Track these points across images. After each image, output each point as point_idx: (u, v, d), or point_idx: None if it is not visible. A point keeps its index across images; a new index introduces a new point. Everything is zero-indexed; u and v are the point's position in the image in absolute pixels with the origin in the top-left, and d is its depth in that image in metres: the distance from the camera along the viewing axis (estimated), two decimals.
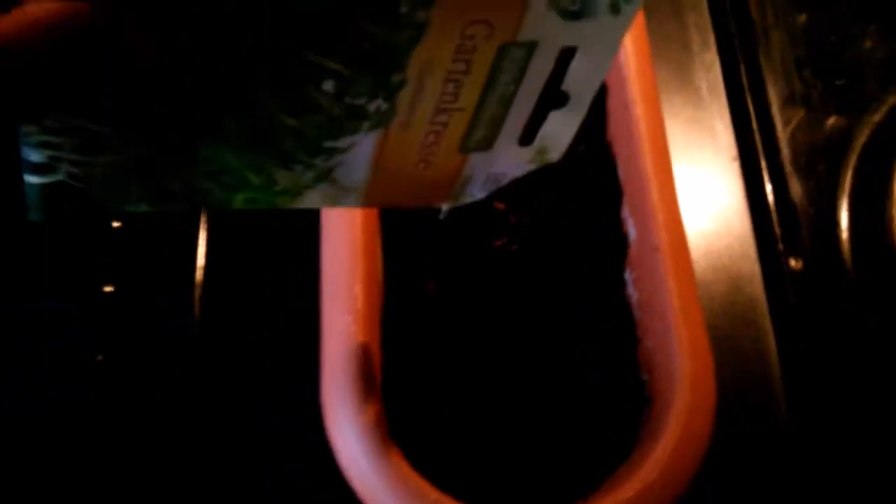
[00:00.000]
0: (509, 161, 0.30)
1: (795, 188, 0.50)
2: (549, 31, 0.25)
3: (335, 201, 0.28)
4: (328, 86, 0.24)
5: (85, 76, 0.21)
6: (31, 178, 0.23)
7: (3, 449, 0.42)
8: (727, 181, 0.51)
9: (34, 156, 0.23)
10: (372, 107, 0.25)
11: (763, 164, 0.51)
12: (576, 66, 0.27)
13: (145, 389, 0.43)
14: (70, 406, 0.43)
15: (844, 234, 0.49)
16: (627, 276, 0.41)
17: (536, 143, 0.29)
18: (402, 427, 0.36)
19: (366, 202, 0.29)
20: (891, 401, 0.45)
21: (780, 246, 0.49)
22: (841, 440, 0.44)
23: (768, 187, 0.50)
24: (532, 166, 0.30)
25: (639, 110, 0.42)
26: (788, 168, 0.51)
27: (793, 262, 0.48)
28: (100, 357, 0.44)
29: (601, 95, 0.44)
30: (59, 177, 0.23)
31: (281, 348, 0.44)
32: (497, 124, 0.28)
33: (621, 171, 0.43)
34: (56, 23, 0.20)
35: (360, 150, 0.27)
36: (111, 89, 0.22)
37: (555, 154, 0.30)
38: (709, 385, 0.37)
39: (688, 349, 0.37)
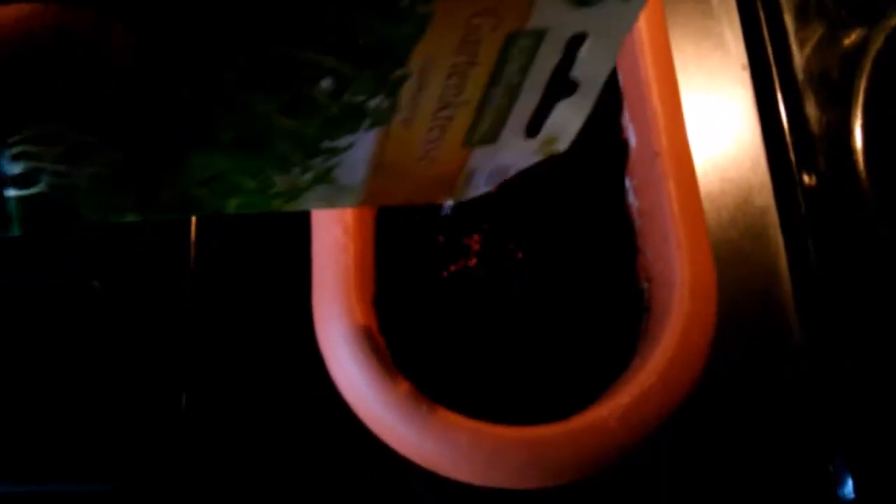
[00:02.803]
0: (515, 153, 0.29)
1: (808, 98, 0.49)
2: (559, 19, 0.24)
3: (333, 202, 0.27)
4: (326, 84, 0.23)
5: (66, 82, 0.20)
6: (10, 192, 0.22)
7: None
8: (737, 91, 0.50)
9: (12, 167, 0.21)
10: (372, 104, 0.24)
11: (774, 73, 0.50)
12: (585, 53, 0.26)
13: (141, 317, 0.43)
14: (68, 330, 0.43)
15: (859, 145, 0.47)
16: (628, 183, 0.40)
17: (543, 133, 0.28)
18: (396, 338, 0.35)
19: (365, 201, 0.28)
20: None
21: (792, 156, 0.48)
22: (852, 356, 0.43)
23: (779, 96, 0.49)
24: (539, 157, 0.29)
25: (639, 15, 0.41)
26: (801, 77, 0.49)
27: (805, 178, 0.47)
28: (96, 283, 0.44)
29: None
30: (40, 189, 0.22)
31: (276, 269, 0.43)
32: (503, 116, 0.27)
33: (622, 78, 0.42)
34: (24, 26, 0.18)
35: (360, 149, 0.26)
36: (95, 96, 0.20)
37: (563, 144, 0.29)
38: (709, 292, 0.36)
39: (687, 255, 0.36)
